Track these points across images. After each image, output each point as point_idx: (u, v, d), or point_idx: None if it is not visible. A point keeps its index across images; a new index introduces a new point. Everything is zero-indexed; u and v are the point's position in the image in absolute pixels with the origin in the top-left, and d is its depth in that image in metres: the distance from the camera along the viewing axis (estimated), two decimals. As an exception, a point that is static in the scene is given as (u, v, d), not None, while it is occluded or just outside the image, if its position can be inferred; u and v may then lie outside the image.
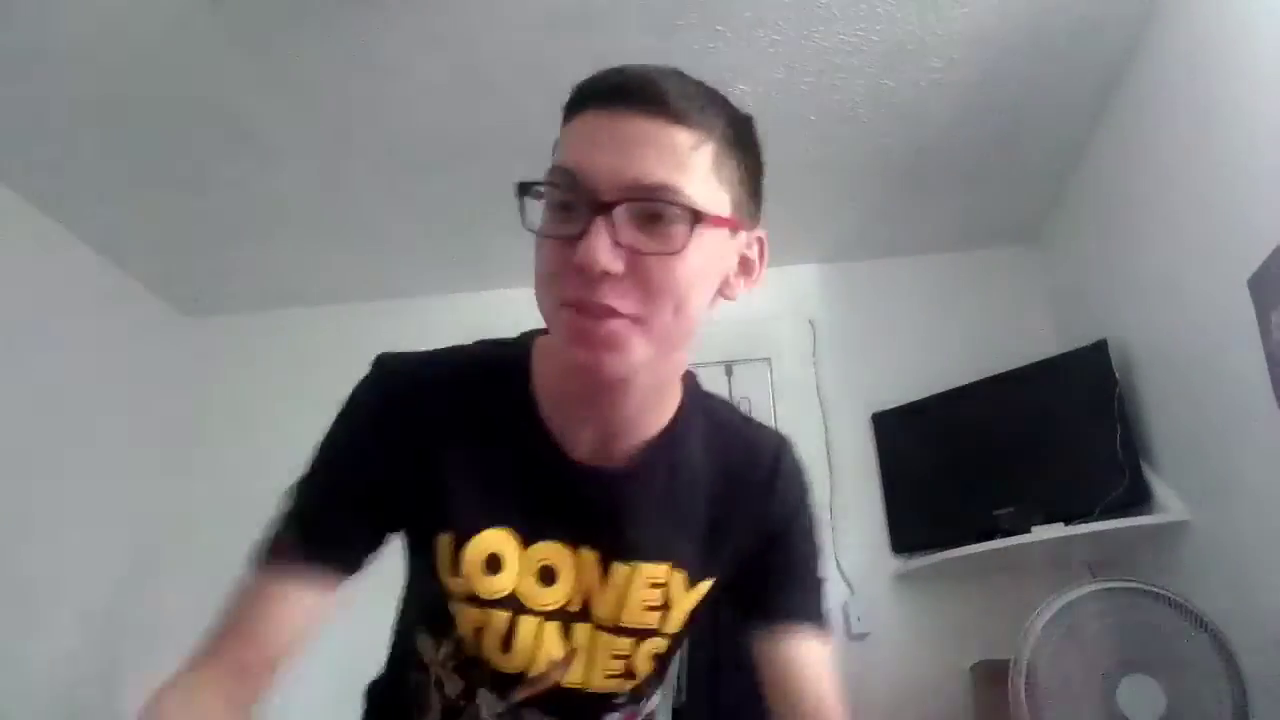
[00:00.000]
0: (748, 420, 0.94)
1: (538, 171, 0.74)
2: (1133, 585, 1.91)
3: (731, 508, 0.87)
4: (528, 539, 0.82)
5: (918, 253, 2.92)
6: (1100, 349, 2.29)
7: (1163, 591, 1.86)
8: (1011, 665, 1.92)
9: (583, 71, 0.75)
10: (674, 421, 0.84)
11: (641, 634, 0.86)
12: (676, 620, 0.87)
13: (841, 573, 2.59)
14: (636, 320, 0.70)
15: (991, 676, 2.27)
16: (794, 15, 1.93)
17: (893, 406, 2.64)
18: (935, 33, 2.01)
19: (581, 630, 0.85)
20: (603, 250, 0.67)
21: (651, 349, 0.71)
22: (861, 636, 2.52)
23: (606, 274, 0.68)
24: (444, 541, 0.81)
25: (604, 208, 0.68)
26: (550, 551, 0.83)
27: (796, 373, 2.83)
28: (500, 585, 0.81)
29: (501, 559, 0.81)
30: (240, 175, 2.37)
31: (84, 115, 2.11)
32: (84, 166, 2.30)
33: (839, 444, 2.71)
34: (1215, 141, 1.83)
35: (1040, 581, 2.24)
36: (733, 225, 0.74)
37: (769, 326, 2.86)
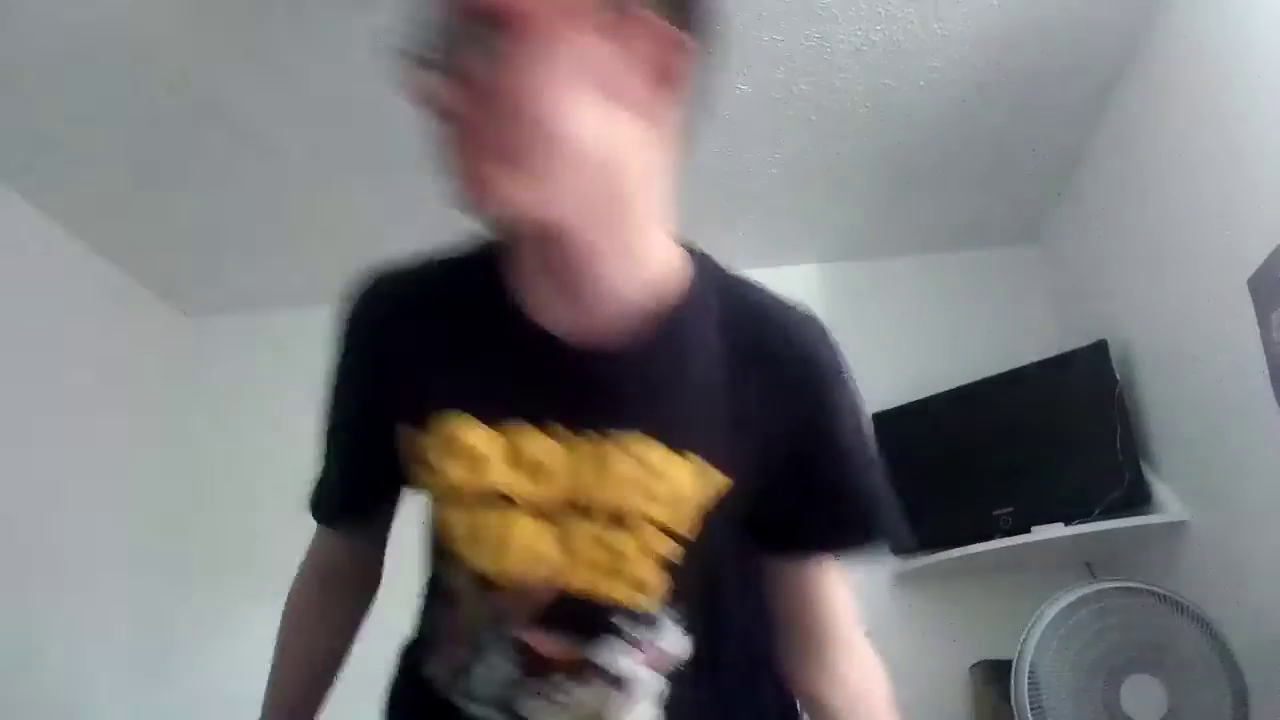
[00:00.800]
0: (775, 298, 0.85)
1: None
2: (1133, 585, 1.91)
3: (756, 395, 0.78)
4: (495, 421, 0.76)
5: (918, 252, 2.92)
6: (1100, 349, 2.29)
7: (1163, 591, 1.87)
8: (1012, 665, 1.92)
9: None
10: (681, 299, 0.77)
11: (639, 526, 0.77)
12: (683, 516, 0.77)
13: (841, 573, 2.58)
14: (494, 146, 0.68)
15: (991, 676, 2.27)
16: (794, 15, 1.93)
17: (893, 406, 2.64)
18: (935, 33, 2.00)
19: (572, 524, 0.77)
20: (432, 86, 0.68)
21: (529, 177, 0.68)
22: (861, 636, 2.52)
23: (450, 109, 0.67)
24: (409, 437, 0.78)
25: (434, 46, 0.69)
26: (526, 438, 0.76)
27: (796, 373, 2.81)
28: (472, 476, 0.76)
29: (467, 446, 0.76)
30: (240, 175, 2.37)
31: (85, 116, 2.11)
32: (84, 168, 2.29)
33: (839, 444, 2.70)
34: (1215, 141, 1.83)
35: (1040, 581, 2.24)
36: (587, 26, 0.67)
37: (768, 326, 2.85)
